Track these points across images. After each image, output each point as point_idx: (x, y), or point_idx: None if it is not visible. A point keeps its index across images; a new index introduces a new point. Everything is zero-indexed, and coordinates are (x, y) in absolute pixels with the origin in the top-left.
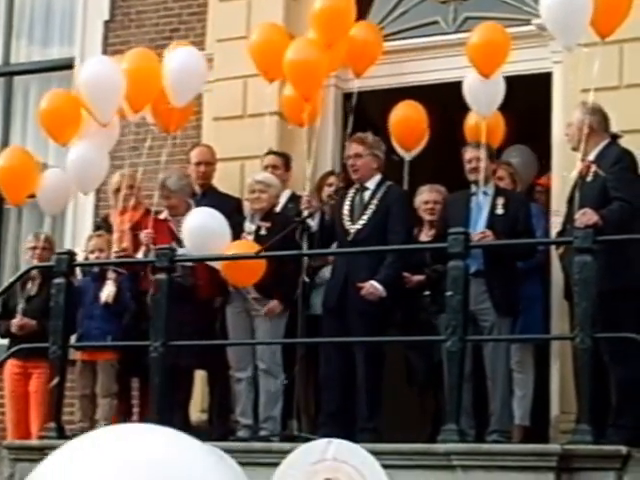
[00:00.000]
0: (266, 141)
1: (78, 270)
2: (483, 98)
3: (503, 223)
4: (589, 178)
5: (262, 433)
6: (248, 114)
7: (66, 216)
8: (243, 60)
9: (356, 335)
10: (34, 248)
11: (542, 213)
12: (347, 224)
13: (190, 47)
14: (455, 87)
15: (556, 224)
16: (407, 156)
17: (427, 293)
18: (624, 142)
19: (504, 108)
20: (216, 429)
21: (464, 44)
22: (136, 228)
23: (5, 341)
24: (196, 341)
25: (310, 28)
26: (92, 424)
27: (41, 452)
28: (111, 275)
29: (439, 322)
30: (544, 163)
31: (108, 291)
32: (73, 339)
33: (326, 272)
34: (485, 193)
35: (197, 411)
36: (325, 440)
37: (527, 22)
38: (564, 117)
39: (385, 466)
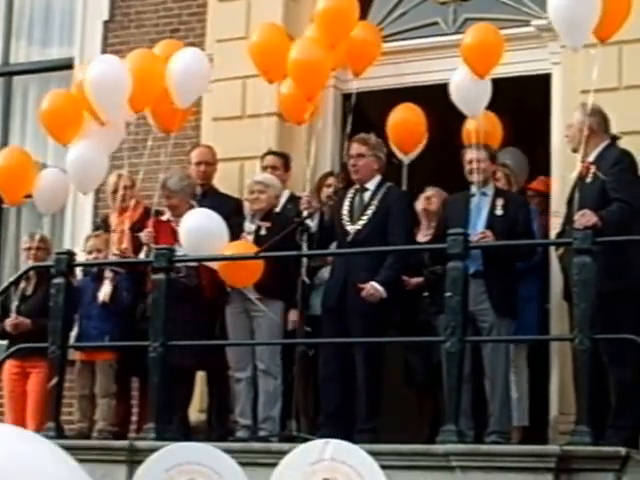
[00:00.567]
0: (265, 141)
1: (78, 270)
2: (469, 99)
3: (502, 224)
4: (588, 179)
5: (261, 433)
6: (247, 114)
7: (65, 216)
8: (243, 60)
9: (355, 336)
10: (29, 249)
11: (536, 213)
12: (346, 225)
13: (194, 48)
14: None
15: (555, 225)
16: (406, 159)
17: (426, 294)
18: (623, 143)
19: (503, 109)
20: (215, 429)
21: None
22: (135, 228)
23: (5, 342)
24: (197, 341)
25: (313, 28)
26: (91, 424)
27: None
28: (108, 274)
29: (438, 323)
30: (537, 166)
31: (105, 291)
32: (72, 339)
33: (325, 273)
34: (484, 194)
35: (196, 411)
36: (323, 440)
37: (526, 23)
38: (563, 118)
39: (383, 467)
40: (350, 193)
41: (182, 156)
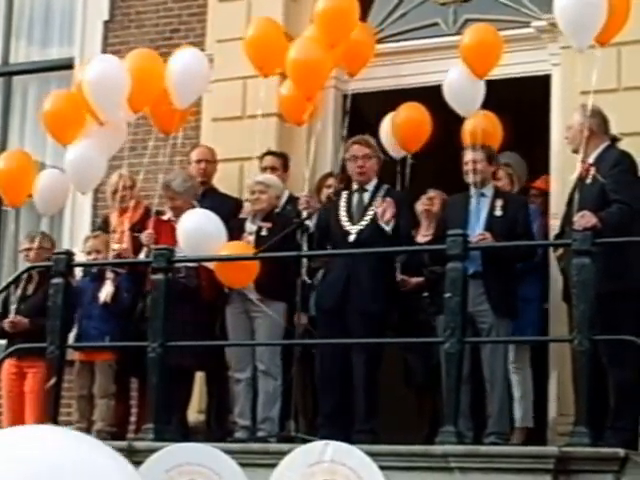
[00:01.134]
0: (265, 142)
1: (78, 270)
2: (463, 98)
3: (502, 225)
4: (588, 180)
5: (260, 434)
6: (247, 115)
7: (64, 216)
8: (242, 61)
9: (356, 336)
10: (28, 249)
11: (537, 214)
12: (346, 225)
13: (194, 49)
14: None
15: (555, 227)
16: (397, 156)
17: (425, 294)
18: (623, 145)
19: (503, 110)
20: (214, 430)
21: None
22: (136, 229)
23: (5, 342)
24: (197, 341)
25: (313, 27)
26: (89, 425)
27: None
28: (109, 275)
29: (437, 323)
30: (536, 168)
31: (107, 291)
32: (71, 339)
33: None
34: (484, 195)
35: (195, 412)
36: (323, 442)
37: (526, 24)
38: (563, 119)
39: (382, 468)
40: (345, 194)
41: (182, 157)
